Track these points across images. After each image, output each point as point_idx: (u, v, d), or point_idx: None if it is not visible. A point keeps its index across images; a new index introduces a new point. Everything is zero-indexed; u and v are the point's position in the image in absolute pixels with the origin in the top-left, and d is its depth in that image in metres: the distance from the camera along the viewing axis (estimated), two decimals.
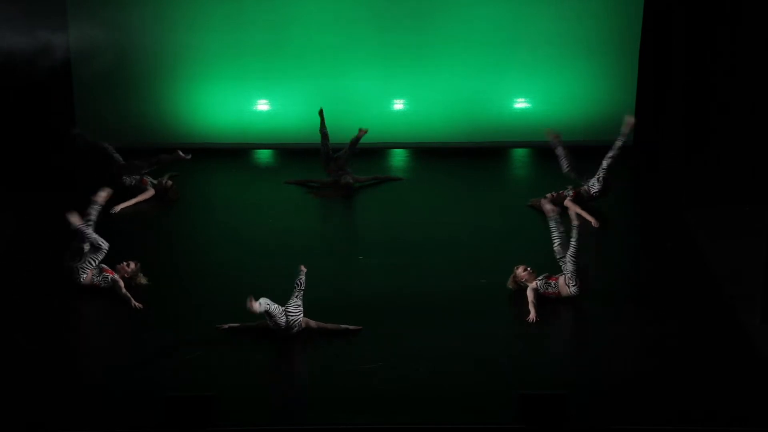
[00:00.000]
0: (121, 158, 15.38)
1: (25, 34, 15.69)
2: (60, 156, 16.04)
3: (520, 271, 12.48)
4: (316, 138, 16.04)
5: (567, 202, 14.37)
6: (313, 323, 11.71)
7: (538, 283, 12.36)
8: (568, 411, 9.86)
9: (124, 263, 12.71)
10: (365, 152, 16.52)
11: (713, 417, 10.26)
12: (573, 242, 12.18)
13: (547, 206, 12.69)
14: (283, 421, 10.45)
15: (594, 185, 14.65)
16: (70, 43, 16.76)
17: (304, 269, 11.74)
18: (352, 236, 14.49)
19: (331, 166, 15.80)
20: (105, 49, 16.57)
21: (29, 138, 16.26)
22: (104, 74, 16.71)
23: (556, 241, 12.41)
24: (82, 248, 12.62)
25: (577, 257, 12.14)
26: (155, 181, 15.40)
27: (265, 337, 11.61)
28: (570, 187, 14.74)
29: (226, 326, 11.75)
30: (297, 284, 11.65)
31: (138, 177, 15.32)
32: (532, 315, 11.98)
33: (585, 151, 17.26)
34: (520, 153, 17.43)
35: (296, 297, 11.60)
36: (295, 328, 11.52)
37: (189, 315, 12.16)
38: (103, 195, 12.96)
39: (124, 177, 15.26)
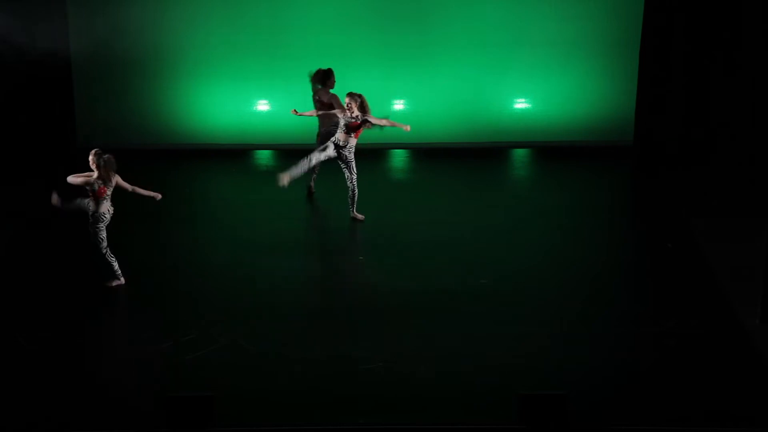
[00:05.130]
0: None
1: (26, 34, 15.72)
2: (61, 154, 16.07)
3: None
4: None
5: None
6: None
7: None
8: (568, 411, 9.85)
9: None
10: (365, 152, 16.48)
11: (713, 417, 10.25)
12: None
13: None
14: (283, 421, 10.44)
15: None
16: (70, 43, 16.79)
17: None
18: (352, 236, 14.47)
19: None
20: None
21: (29, 137, 16.28)
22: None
23: None
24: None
25: None
26: None
27: (265, 336, 11.62)
28: None
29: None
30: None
31: None
32: None
33: (585, 151, 17.34)
34: (520, 153, 17.43)
35: None
36: None
37: (189, 315, 12.16)
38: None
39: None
